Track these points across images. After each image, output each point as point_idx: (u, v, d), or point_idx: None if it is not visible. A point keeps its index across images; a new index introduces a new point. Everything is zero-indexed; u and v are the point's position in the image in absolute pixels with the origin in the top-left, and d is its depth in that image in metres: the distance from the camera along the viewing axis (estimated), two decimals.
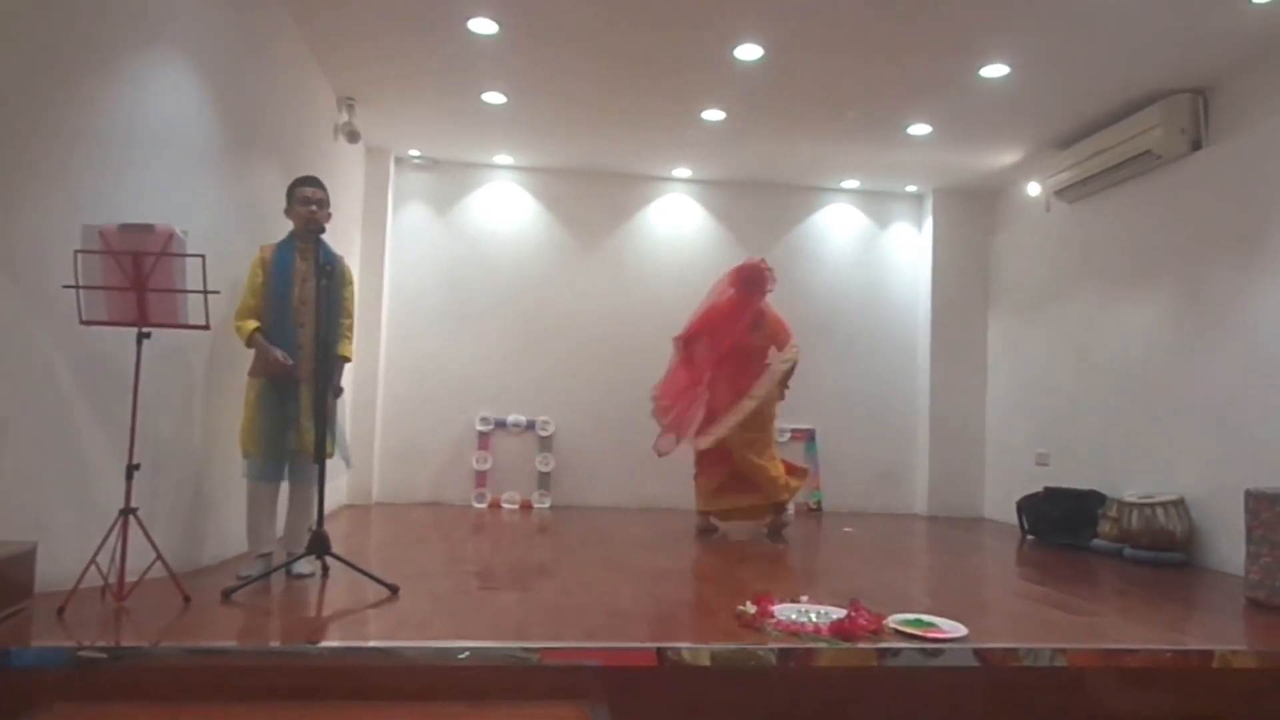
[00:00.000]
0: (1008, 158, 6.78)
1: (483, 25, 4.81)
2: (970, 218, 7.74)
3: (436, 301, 7.36)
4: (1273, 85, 4.75)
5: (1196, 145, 5.22)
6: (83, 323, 3.15)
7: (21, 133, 3.34)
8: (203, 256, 3.12)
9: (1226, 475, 4.71)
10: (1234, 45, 4.71)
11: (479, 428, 7.26)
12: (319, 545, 3.56)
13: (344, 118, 5.99)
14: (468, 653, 2.69)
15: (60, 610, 2.95)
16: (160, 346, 3.35)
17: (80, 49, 3.48)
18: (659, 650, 2.75)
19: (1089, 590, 4.43)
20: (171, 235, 3.13)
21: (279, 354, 3.69)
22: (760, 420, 5.64)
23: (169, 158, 3.73)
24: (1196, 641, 3.17)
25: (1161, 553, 4.96)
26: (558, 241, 7.56)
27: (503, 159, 7.33)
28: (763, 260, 5.86)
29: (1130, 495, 5.28)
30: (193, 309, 3.22)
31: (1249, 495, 3.85)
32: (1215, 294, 5.05)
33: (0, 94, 3.30)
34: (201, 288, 3.13)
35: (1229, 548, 4.65)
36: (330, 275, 3.72)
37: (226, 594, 3.31)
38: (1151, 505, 5.05)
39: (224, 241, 3.91)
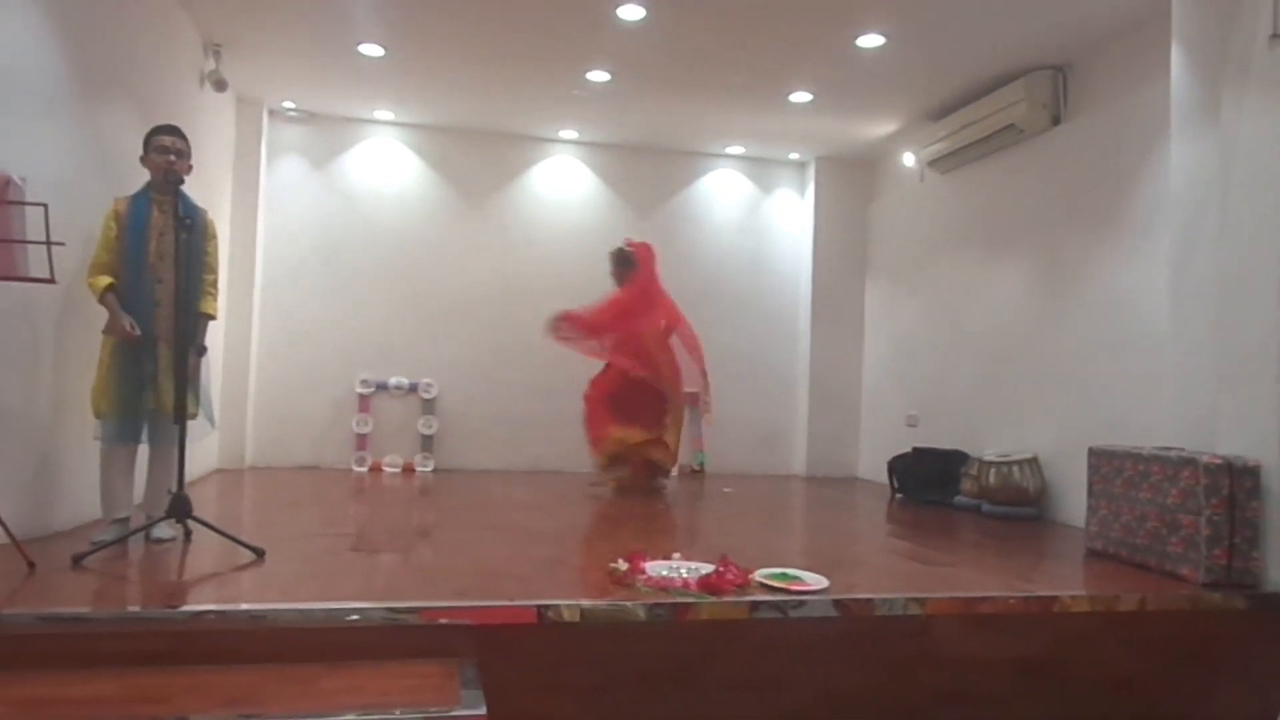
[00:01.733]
0: (885, 128, 6.97)
1: None
2: (850, 186, 7.93)
3: (314, 259, 7.12)
4: (1124, 64, 5.02)
5: (1056, 120, 5.48)
6: None
7: None
8: (45, 205, 2.93)
9: (1075, 434, 5.01)
10: (1090, 25, 4.93)
11: (359, 390, 7.10)
12: (180, 508, 3.43)
13: (211, 65, 5.68)
14: (357, 615, 2.65)
15: None
16: (2, 301, 3.14)
17: None
18: (539, 609, 2.77)
19: (947, 543, 4.66)
20: (9, 181, 2.93)
21: (127, 322, 3.51)
22: None
23: (7, 99, 3.46)
24: (1041, 589, 3.38)
25: (1015, 508, 5.27)
26: (442, 201, 7.40)
27: (383, 114, 7.11)
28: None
29: (989, 454, 5.56)
30: (37, 262, 3.03)
31: (1091, 453, 4.11)
32: (1070, 262, 5.33)
33: None
34: (44, 238, 2.94)
35: (1074, 502, 4.96)
36: (190, 229, 3.52)
37: (77, 559, 3.15)
38: (1008, 464, 5.34)
39: (74, 191, 3.69)
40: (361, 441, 7.06)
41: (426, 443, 7.17)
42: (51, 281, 3.06)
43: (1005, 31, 5.09)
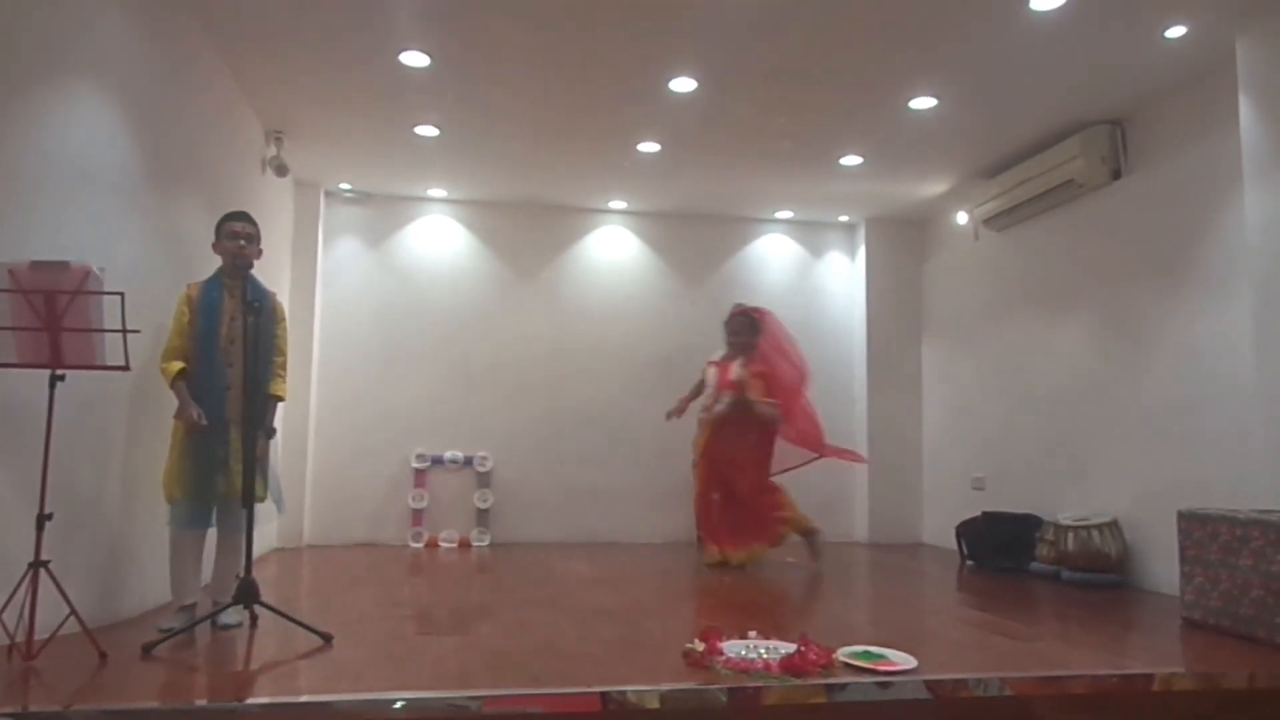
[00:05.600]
0: (937, 187, 6.93)
1: (415, 58, 4.75)
2: (902, 246, 7.87)
3: (370, 337, 7.20)
4: (1187, 115, 4.93)
5: (1116, 174, 5.39)
6: None
7: None
8: (121, 294, 2.97)
9: (1157, 496, 4.82)
10: (1149, 78, 4.87)
11: (415, 465, 7.09)
12: (247, 594, 3.39)
13: (272, 151, 5.84)
14: (402, 703, 2.57)
15: None
16: (77, 389, 3.18)
17: None
18: (603, 695, 2.67)
19: (1029, 615, 4.47)
20: (88, 273, 2.98)
21: (195, 412, 3.53)
22: None
23: (86, 192, 3.55)
24: (1137, 664, 3.20)
25: (1097, 574, 5.05)
26: (494, 274, 7.47)
27: (436, 192, 7.24)
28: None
29: (1065, 518, 5.36)
30: (112, 349, 3.07)
31: (1181, 516, 3.93)
32: (1139, 318, 5.19)
33: None
34: (120, 327, 2.98)
35: (1162, 568, 4.75)
36: (259, 312, 3.56)
37: (147, 649, 3.12)
38: (1087, 527, 5.13)
39: (147, 279, 3.76)
40: (417, 517, 7.03)
41: (482, 517, 7.11)
42: (126, 369, 3.09)
43: (1057, 89, 5.05)
